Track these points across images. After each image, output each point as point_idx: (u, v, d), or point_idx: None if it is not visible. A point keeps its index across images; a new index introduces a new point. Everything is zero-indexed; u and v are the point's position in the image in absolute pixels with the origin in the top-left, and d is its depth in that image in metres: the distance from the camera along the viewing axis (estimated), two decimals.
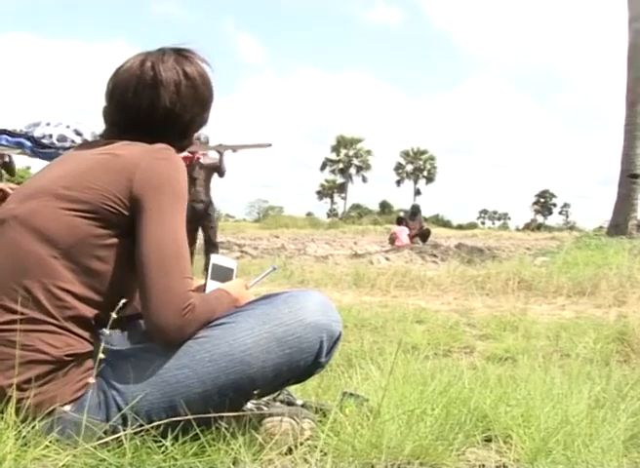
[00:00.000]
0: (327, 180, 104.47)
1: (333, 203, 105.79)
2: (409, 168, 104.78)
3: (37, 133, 7.26)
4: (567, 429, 2.10)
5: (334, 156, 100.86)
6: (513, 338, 4.99)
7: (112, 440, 1.78)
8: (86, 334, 1.89)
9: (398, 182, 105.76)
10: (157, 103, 2.07)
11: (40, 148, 7.28)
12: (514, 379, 2.91)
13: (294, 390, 2.44)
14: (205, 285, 2.15)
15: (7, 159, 8.76)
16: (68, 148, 7.75)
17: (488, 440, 2.21)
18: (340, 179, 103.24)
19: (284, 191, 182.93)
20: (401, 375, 2.66)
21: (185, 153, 10.57)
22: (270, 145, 10.15)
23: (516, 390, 2.57)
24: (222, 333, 1.93)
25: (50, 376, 1.82)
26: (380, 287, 8.96)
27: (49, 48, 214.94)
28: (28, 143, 7.28)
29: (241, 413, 1.98)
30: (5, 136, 7.36)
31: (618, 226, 17.61)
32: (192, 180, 10.64)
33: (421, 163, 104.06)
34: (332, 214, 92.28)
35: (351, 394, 2.31)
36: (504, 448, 2.13)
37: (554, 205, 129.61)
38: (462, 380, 2.63)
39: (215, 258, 2.23)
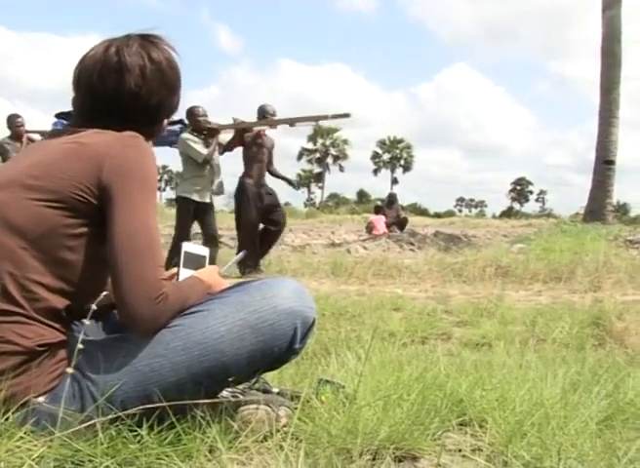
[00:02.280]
0: (304, 170, 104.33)
1: (310, 192, 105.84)
2: (386, 157, 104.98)
3: None
4: (541, 412, 2.11)
5: (310, 146, 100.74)
6: (490, 324, 5.03)
7: (88, 430, 1.76)
8: (57, 325, 1.87)
9: (375, 171, 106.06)
10: (122, 87, 2.05)
11: None
12: (490, 365, 2.93)
13: (270, 378, 2.44)
14: (177, 273, 2.14)
15: None
16: None
17: (463, 424, 2.22)
18: (317, 169, 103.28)
19: None
20: (377, 362, 2.67)
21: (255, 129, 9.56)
22: (349, 115, 9.41)
23: (492, 375, 2.59)
24: (196, 322, 1.92)
25: (22, 367, 1.80)
26: (357, 275, 8.99)
27: (21, 40, 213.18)
28: None
29: (216, 400, 1.98)
30: (61, 120, 7.30)
31: (593, 212, 17.78)
32: (256, 163, 9.68)
33: (398, 152, 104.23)
34: (309, 203, 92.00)
35: (327, 381, 2.31)
36: (479, 432, 2.13)
37: (530, 192, 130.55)
38: (438, 366, 2.65)
39: (186, 246, 2.22)
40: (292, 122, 9.55)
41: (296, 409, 2.06)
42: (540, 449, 1.91)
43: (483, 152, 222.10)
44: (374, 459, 1.88)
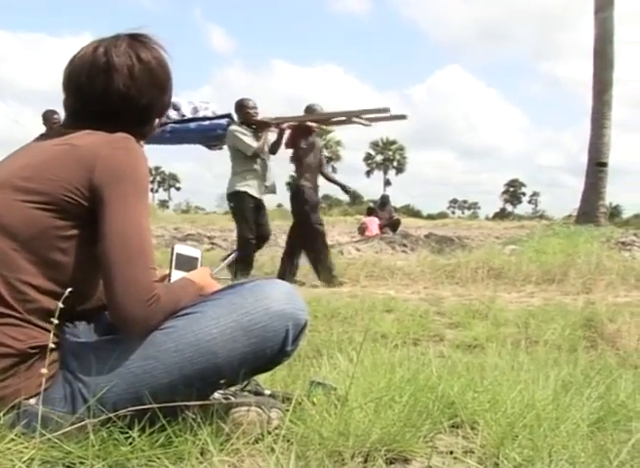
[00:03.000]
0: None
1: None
2: (378, 158, 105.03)
3: None
4: (533, 414, 2.11)
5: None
6: (482, 326, 5.02)
7: (79, 432, 1.76)
8: (49, 327, 1.86)
9: (368, 173, 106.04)
10: (111, 87, 2.04)
11: None
12: (482, 366, 2.93)
13: (262, 380, 2.44)
14: (169, 274, 2.13)
15: None
16: (164, 124, 7.66)
17: (455, 426, 2.23)
18: None
19: None
20: (369, 364, 2.66)
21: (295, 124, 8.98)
22: (405, 117, 9.04)
23: (484, 377, 2.59)
24: (188, 323, 1.92)
25: (14, 370, 1.80)
26: (350, 277, 8.99)
27: (15, 41, 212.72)
28: None
29: (208, 402, 1.98)
30: None
31: (586, 214, 17.78)
32: (309, 163, 9.06)
33: (391, 153, 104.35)
34: None
35: (319, 383, 2.31)
36: (471, 433, 2.14)
37: (523, 194, 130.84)
38: (430, 368, 2.65)
39: (178, 248, 2.21)
40: (349, 116, 8.99)
41: (287, 411, 2.05)
42: (532, 451, 1.91)
43: (476, 154, 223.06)
44: (365, 461, 1.88)
